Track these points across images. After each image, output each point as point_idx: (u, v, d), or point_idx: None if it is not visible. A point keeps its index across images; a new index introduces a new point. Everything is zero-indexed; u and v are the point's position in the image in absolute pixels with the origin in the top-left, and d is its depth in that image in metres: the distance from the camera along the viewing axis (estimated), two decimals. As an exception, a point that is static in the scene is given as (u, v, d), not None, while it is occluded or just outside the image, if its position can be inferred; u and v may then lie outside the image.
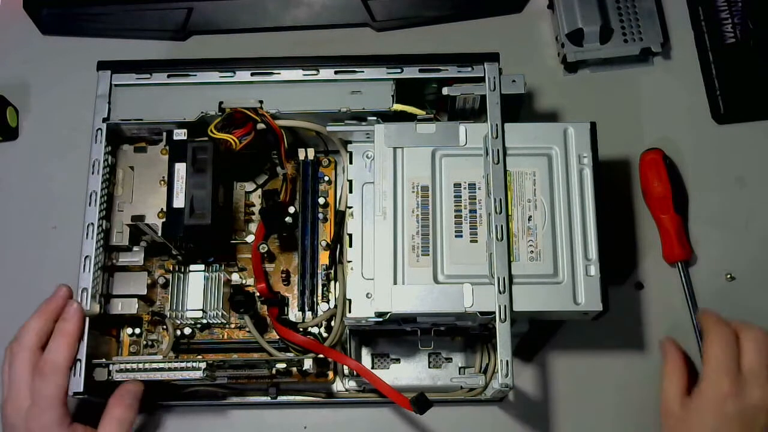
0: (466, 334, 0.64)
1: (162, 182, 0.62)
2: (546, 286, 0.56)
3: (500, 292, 0.56)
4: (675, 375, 0.60)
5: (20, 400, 0.56)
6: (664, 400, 0.59)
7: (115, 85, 0.63)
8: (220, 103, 0.63)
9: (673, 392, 0.59)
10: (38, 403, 0.56)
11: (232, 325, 0.65)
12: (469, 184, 0.59)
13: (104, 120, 0.62)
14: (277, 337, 0.62)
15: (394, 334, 0.65)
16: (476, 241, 0.58)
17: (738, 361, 0.57)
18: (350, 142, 0.62)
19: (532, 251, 0.57)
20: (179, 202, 0.60)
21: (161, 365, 0.58)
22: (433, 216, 0.58)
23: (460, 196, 0.59)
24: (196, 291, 0.63)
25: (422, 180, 0.59)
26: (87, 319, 0.57)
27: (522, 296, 0.56)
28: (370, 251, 0.58)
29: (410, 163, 0.59)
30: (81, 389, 0.56)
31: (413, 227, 0.58)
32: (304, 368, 0.59)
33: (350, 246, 0.59)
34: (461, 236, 0.58)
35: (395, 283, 0.56)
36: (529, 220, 0.58)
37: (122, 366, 0.58)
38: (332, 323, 0.63)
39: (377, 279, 0.57)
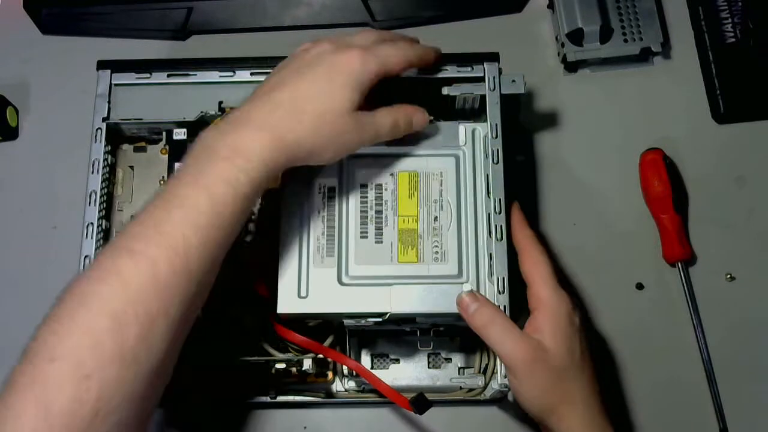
0: (465, 335, 0.64)
1: (162, 182, 0.62)
2: (451, 287, 0.56)
3: (500, 293, 0.56)
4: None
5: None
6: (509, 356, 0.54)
7: (115, 85, 0.63)
8: (220, 102, 0.63)
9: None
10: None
11: (232, 325, 0.65)
12: (375, 185, 0.59)
13: (104, 120, 0.62)
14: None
15: (394, 334, 0.65)
16: (381, 242, 0.58)
17: None
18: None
19: (437, 252, 0.57)
20: (179, 202, 0.60)
21: (161, 365, 0.58)
22: (339, 217, 0.58)
23: (367, 197, 0.59)
24: (196, 291, 0.63)
25: (329, 182, 0.59)
26: None
27: (426, 297, 0.56)
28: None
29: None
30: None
31: (319, 228, 0.58)
32: (303, 368, 0.59)
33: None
34: (366, 237, 0.58)
35: (299, 285, 0.56)
36: (435, 220, 0.58)
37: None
38: (332, 323, 0.63)
39: (281, 280, 0.57)
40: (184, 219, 0.47)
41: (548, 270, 0.56)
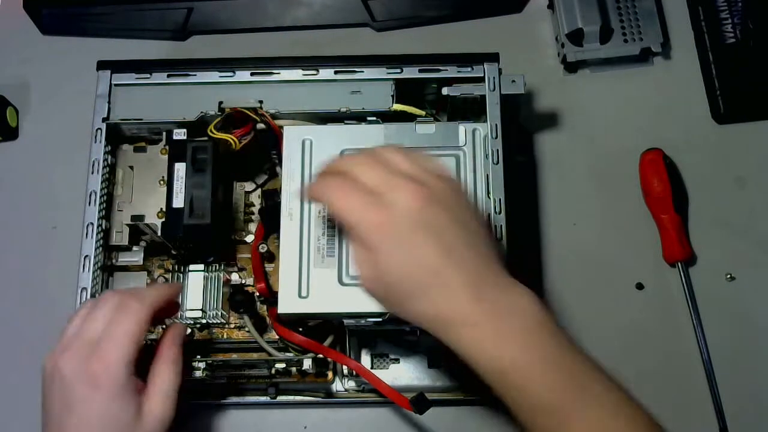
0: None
1: (162, 182, 0.62)
2: None
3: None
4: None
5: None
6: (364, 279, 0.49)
7: (115, 85, 0.63)
8: (220, 102, 0.63)
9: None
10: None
11: (232, 325, 0.65)
12: None
13: (104, 120, 0.62)
14: (277, 337, 0.62)
15: (394, 334, 0.65)
16: None
17: (363, 191, 0.47)
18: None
19: None
20: (179, 202, 0.60)
21: (161, 365, 0.58)
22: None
23: None
24: (196, 291, 0.64)
25: None
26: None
27: None
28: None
29: (318, 164, 0.58)
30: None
31: (319, 229, 0.58)
32: (303, 368, 0.59)
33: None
34: None
35: (300, 285, 0.56)
36: None
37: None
38: (332, 323, 0.63)
39: (281, 280, 0.56)
40: None
41: (344, 204, 0.48)
